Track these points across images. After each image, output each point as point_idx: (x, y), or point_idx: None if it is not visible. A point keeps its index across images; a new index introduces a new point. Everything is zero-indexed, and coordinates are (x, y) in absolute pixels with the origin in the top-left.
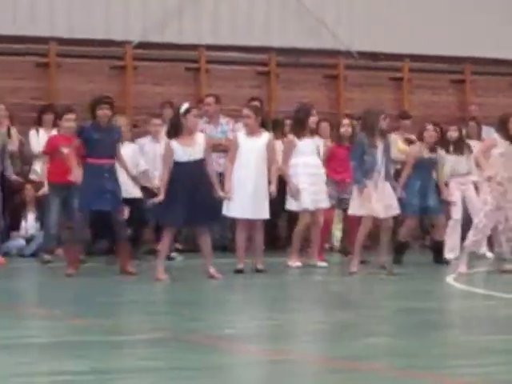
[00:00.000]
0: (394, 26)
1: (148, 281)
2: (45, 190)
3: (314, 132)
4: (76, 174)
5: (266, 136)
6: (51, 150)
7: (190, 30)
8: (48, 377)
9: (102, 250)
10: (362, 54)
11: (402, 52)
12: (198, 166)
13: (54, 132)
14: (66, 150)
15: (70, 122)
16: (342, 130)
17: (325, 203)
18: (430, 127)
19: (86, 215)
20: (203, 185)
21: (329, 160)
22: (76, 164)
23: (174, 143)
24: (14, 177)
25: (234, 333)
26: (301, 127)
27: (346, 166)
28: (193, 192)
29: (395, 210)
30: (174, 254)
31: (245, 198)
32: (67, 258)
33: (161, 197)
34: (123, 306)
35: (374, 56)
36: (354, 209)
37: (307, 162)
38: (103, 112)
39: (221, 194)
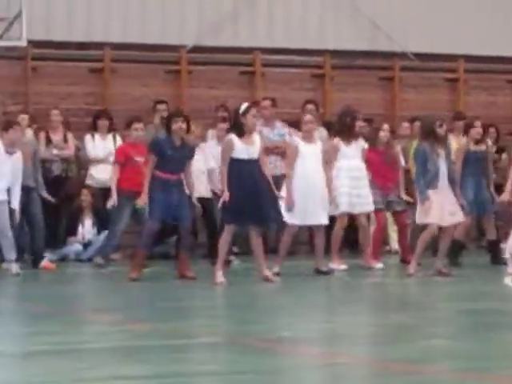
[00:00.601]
0: (448, 27)
1: (206, 285)
2: (114, 200)
3: (358, 135)
4: (144, 198)
5: (319, 142)
6: (123, 159)
7: (244, 34)
8: (108, 382)
9: (161, 254)
10: (417, 56)
11: (456, 53)
12: (256, 165)
13: (110, 137)
14: (138, 159)
15: (138, 131)
16: (382, 134)
17: (368, 206)
18: (477, 123)
19: (158, 225)
20: (262, 184)
21: (368, 164)
22: (147, 186)
23: (236, 139)
24: (45, 194)
25: (291, 336)
26: (348, 132)
27: (383, 171)
28: (253, 191)
29: (459, 217)
30: (232, 258)
31: (306, 204)
32: (133, 263)
33: (226, 193)
34: (182, 310)
35: (429, 57)
36: (420, 217)
37: (351, 165)
38: (178, 126)
39: (277, 194)
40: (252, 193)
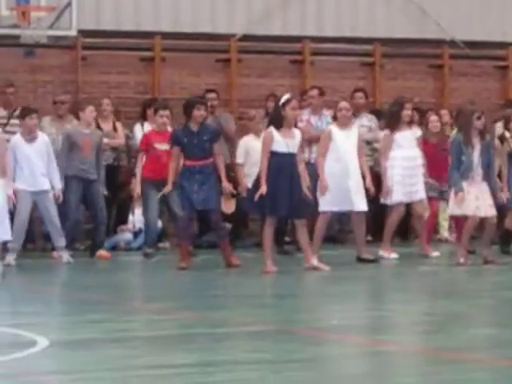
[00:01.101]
0: (498, 14)
1: (253, 273)
2: (137, 189)
3: (412, 124)
4: (168, 187)
5: (355, 128)
6: (146, 147)
7: (294, 22)
8: (157, 370)
9: (209, 243)
10: (467, 43)
11: (507, 40)
12: (296, 159)
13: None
14: (160, 147)
15: (163, 118)
16: (431, 125)
17: (420, 194)
18: None
19: (190, 215)
20: (298, 178)
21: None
22: (172, 175)
23: (275, 132)
24: (105, 192)
25: (340, 324)
26: (394, 120)
27: (436, 160)
28: (292, 184)
29: (493, 211)
30: (287, 248)
31: (342, 191)
32: (179, 252)
33: (264, 187)
34: (231, 298)
35: (479, 45)
36: (453, 209)
37: (405, 154)
38: (200, 113)
39: (306, 190)
40: (288, 186)
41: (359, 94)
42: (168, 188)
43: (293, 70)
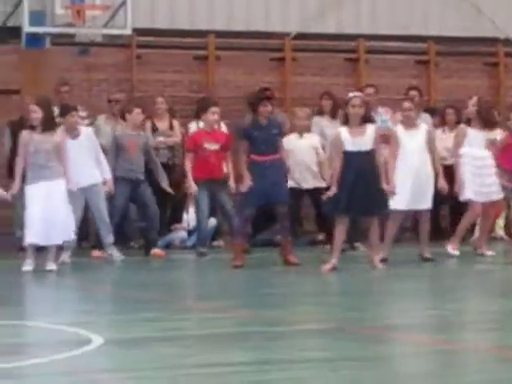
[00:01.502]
0: None
1: (309, 271)
2: (192, 188)
3: (495, 124)
4: (246, 184)
5: (423, 127)
6: (194, 147)
7: (348, 20)
8: (211, 368)
9: (264, 242)
10: None
11: None
12: (367, 156)
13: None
14: (209, 147)
15: (215, 115)
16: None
17: (495, 195)
18: None
19: (251, 212)
20: (372, 176)
21: (504, 150)
22: (244, 171)
23: (343, 132)
24: (168, 189)
25: (401, 323)
26: (487, 122)
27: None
28: (362, 182)
29: None
30: (357, 244)
31: (409, 190)
32: (233, 250)
33: (334, 188)
34: (286, 297)
35: None
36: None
37: (475, 153)
38: (265, 109)
39: (385, 187)
40: (358, 185)
41: (413, 93)
42: (247, 183)
43: (347, 69)
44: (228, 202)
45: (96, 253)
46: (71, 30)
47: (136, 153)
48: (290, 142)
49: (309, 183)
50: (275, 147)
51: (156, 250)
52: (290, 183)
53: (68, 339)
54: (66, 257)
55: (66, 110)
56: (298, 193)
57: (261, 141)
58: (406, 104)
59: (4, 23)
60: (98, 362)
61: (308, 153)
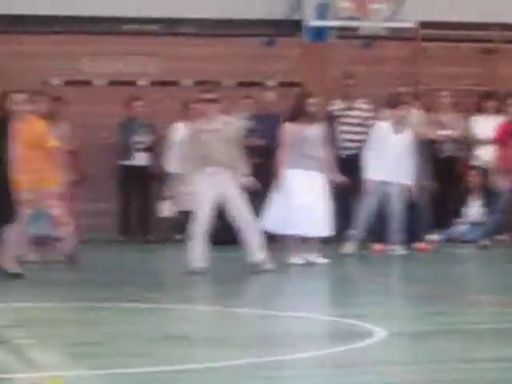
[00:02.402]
0: None
1: None
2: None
3: None
4: None
5: None
6: (504, 138)
7: None
8: (493, 363)
9: None
10: None
11: None
12: None
13: (496, 119)
14: None
15: None
16: None
17: None
18: None
19: None
20: None
21: None
22: None
23: None
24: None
25: None
26: None
27: None
28: None
29: None
30: None
31: None
32: None
33: None
34: None
35: None
36: None
37: None
38: None
39: None
40: None
41: None
42: None
43: None
44: None
45: (378, 246)
46: (353, 23)
47: None
48: None
49: None
50: None
51: (421, 244)
52: None
53: (350, 331)
54: (351, 247)
55: (394, 103)
56: None
57: None
58: None
59: (288, 17)
60: (380, 354)
61: None
